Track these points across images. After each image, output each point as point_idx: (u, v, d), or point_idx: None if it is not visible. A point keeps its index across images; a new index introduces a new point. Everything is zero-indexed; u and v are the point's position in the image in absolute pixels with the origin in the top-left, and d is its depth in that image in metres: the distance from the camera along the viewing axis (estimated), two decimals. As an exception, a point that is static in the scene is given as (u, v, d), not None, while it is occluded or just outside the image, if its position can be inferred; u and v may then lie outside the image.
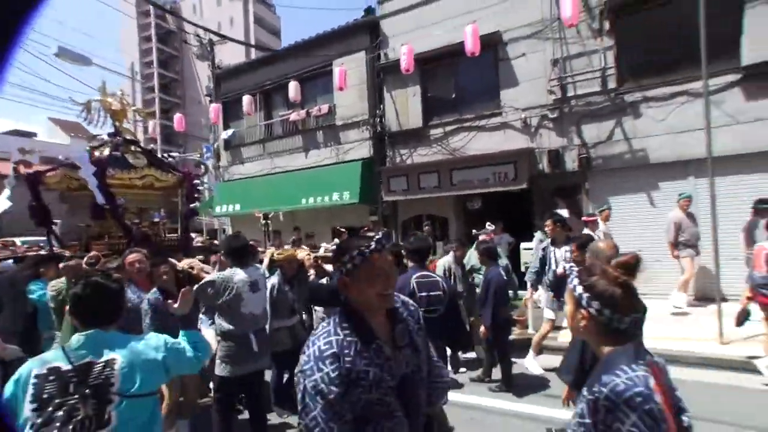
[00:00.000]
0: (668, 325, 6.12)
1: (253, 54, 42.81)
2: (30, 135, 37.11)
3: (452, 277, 5.40)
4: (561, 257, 4.98)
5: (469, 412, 4.07)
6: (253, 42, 39.74)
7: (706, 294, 7.15)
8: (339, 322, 1.43)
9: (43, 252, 6.67)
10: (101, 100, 6.47)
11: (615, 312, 1.27)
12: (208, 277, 3.55)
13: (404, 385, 1.43)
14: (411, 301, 1.68)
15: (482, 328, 4.60)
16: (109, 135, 6.56)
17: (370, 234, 5.00)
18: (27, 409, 1.54)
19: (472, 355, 5.51)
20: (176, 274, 3.82)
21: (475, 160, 9.22)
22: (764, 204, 6.09)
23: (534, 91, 8.91)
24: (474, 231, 7.46)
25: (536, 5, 8.72)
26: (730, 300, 6.87)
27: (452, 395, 4.13)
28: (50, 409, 1.55)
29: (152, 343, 1.86)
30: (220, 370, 3.42)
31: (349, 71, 10.83)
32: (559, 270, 4.75)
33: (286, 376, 4.33)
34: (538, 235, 7.35)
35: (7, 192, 6.25)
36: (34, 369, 1.61)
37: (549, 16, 8.57)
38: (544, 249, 5.38)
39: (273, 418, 4.12)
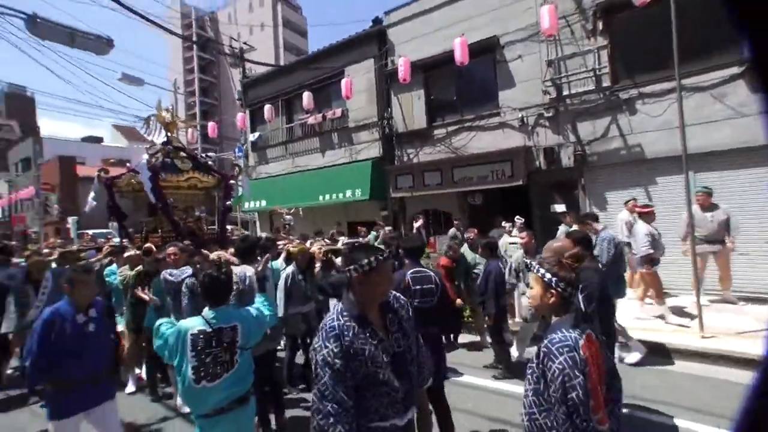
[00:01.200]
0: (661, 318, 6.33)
1: (282, 57, 44.44)
2: (98, 140, 41.49)
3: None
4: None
5: (467, 391, 4.53)
6: (281, 43, 41.60)
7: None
8: (340, 310, 1.81)
9: (115, 243, 8.02)
10: (157, 115, 7.66)
11: (573, 289, 1.80)
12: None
13: (397, 361, 1.81)
14: (401, 296, 2.07)
15: (487, 317, 4.94)
16: (163, 144, 7.65)
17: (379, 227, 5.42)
18: (189, 355, 2.41)
19: (475, 338, 6.08)
20: (208, 264, 4.49)
21: (475, 158, 9.76)
22: None
23: (530, 91, 9.31)
24: (503, 222, 7.99)
25: (531, 10, 9.08)
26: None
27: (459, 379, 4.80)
28: (202, 356, 2.42)
29: (253, 313, 2.73)
30: None
31: (359, 77, 11.57)
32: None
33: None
34: (562, 228, 7.67)
35: (92, 194, 7.53)
36: (189, 330, 2.45)
37: (542, 20, 8.95)
38: None
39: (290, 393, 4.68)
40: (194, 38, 50.50)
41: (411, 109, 11.11)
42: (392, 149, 11.57)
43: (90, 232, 22.38)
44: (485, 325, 5.25)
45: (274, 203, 13.79)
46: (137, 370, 5.19)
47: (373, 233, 8.95)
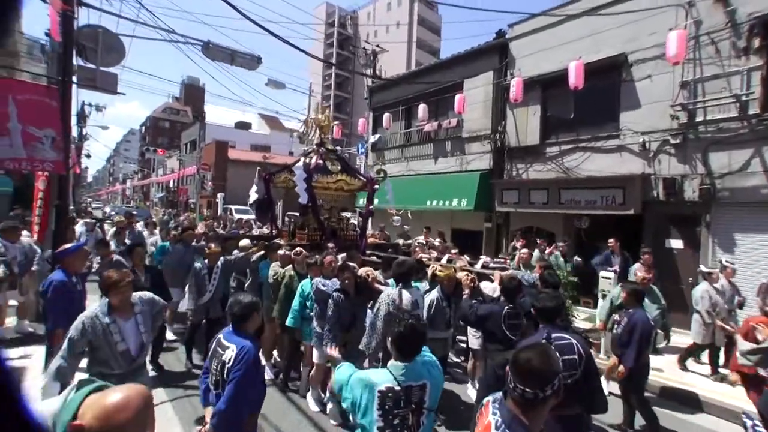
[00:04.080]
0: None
1: (414, 54, 45.63)
2: (247, 126, 48.01)
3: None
4: None
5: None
6: (414, 41, 42.93)
7: None
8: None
9: (271, 232, 8.57)
10: (315, 117, 8.16)
11: None
12: (383, 297, 3.92)
13: None
14: None
15: (620, 368, 4.41)
16: (317, 145, 7.91)
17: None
18: (375, 414, 2.14)
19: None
20: (355, 279, 4.44)
21: (584, 181, 9.45)
22: None
23: (657, 114, 8.68)
24: (701, 266, 6.86)
25: (667, 25, 8.38)
26: None
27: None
28: (390, 416, 2.15)
29: (438, 371, 2.38)
30: None
31: (477, 89, 11.83)
32: None
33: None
34: None
35: (254, 188, 8.44)
36: (377, 386, 2.16)
37: (681, 38, 8.25)
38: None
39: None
40: (335, 35, 54.64)
41: (525, 124, 11.05)
42: (502, 162, 11.63)
43: (233, 207, 26.27)
44: (618, 379, 4.58)
45: (386, 202, 14.73)
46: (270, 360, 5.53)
47: (537, 252, 8.11)
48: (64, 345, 2.84)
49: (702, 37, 8.12)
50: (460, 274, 4.60)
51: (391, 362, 2.26)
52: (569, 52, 9.72)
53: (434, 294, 4.54)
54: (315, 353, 4.53)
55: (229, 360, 2.61)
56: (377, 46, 21.05)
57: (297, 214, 8.85)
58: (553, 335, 2.87)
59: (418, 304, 3.96)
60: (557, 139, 10.47)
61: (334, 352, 2.95)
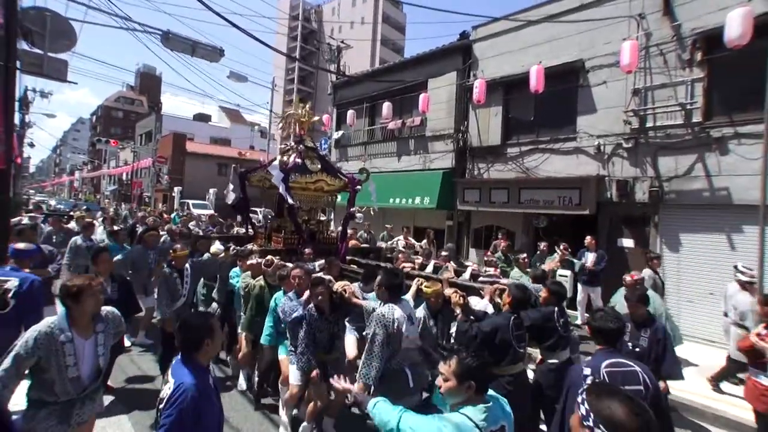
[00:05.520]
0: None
1: (378, 51, 45.65)
2: (207, 118, 46.35)
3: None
4: None
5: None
6: (379, 38, 43.00)
7: None
8: None
9: (246, 232, 8.42)
10: (294, 113, 7.66)
11: None
12: (377, 317, 3.50)
13: None
14: None
15: (662, 385, 3.82)
16: (295, 142, 7.47)
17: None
18: None
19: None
20: (330, 294, 4.04)
21: (543, 182, 9.73)
22: None
23: (611, 119, 9.05)
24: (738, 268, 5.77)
25: (621, 35, 8.75)
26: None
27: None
28: None
29: (509, 407, 2.12)
30: None
31: (441, 89, 11.92)
32: None
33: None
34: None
35: (231, 186, 7.98)
36: None
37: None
38: None
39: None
40: (299, 28, 53.86)
41: (487, 125, 11.25)
42: (464, 162, 11.80)
43: (191, 202, 25.38)
44: None
45: (371, 203, 14.50)
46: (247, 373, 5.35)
47: (556, 255, 8.10)
48: (7, 361, 2.41)
49: (652, 48, 8.53)
50: (448, 291, 4.16)
51: (468, 408, 1.92)
52: (530, 56, 9.99)
53: (420, 312, 4.06)
54: (291, 373, 4.19)
55: (162, 400, 2.13)
56: (342, 41, 20.89)
57: (256, 210, 8.43)
58: (615, 359, 2.56)
59: (413, 319, 3.56)
60: (518, 140, 10.73)
61: (344, 384, 2.52)
